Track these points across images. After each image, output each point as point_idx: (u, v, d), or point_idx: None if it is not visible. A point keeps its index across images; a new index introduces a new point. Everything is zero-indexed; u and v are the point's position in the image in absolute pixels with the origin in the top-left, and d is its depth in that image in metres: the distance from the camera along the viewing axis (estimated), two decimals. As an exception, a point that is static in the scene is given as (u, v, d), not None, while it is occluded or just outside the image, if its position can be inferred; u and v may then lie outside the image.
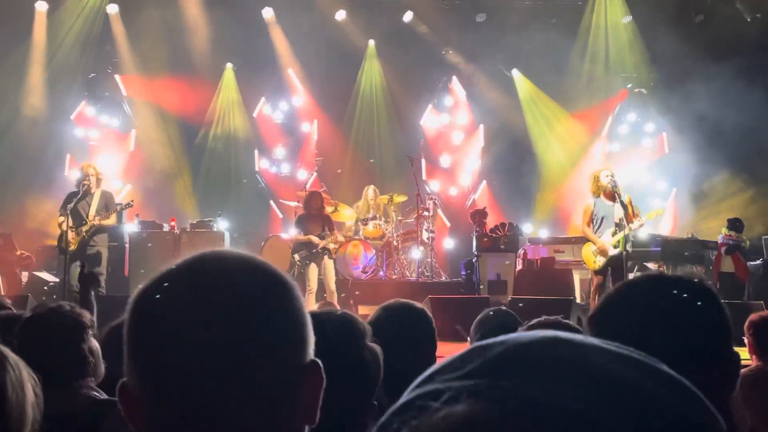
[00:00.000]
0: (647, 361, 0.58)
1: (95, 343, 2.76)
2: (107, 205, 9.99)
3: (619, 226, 9.07)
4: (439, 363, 0.61)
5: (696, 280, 1.58)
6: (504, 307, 3.76)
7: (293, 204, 12.50)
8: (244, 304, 0.95)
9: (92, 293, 4.35)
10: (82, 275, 4.42)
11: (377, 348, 1.93)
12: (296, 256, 10.51)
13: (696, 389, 0.57)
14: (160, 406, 0.95)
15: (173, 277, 0.98)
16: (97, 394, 2.65)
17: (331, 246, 10.60)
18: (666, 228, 14.27)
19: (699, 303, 1.51)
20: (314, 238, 10.43)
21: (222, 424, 0.93)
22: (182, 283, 0.97)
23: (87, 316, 2.77)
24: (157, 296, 0.96)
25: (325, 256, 10.50)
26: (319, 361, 1.00)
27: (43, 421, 1.62)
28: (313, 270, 10.38)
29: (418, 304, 3.02)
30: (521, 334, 0.61)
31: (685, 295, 1.51)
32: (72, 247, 9.67)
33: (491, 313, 3.45)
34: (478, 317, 3.44)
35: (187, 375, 0.92)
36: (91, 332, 2.73)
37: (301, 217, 10.99)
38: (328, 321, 1.83)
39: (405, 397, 0.59)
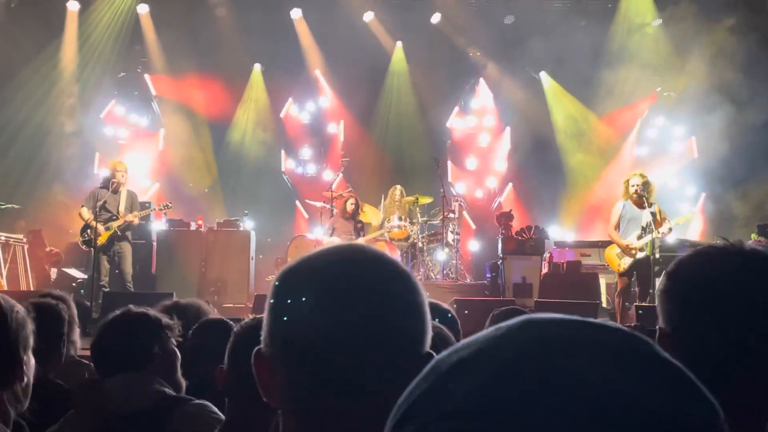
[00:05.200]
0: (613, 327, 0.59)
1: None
2: (132, 203, 10.25)
3: (645, 230, 9.03)
4: (438, 373, 0.58)
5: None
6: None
7: (319, 204, 12.52)
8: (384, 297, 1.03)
9: None
10: None
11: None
12: None
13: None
14: (293, 377, 1.02)
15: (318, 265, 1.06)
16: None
17: None
18: (695, 233, 14.10)
19: None
20: (335, 240, 10.76)
21: (350, 399, 0.99)
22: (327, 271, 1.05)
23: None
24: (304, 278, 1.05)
25: None
26: (434, 354, 1.02)
27: None
28: None
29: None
30: (506, 328, 0.59)
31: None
32: (100, 241, 9.85)
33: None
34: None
35: (322, 350, 0.99)
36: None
37: (333, 219, 11.25)
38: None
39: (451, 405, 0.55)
